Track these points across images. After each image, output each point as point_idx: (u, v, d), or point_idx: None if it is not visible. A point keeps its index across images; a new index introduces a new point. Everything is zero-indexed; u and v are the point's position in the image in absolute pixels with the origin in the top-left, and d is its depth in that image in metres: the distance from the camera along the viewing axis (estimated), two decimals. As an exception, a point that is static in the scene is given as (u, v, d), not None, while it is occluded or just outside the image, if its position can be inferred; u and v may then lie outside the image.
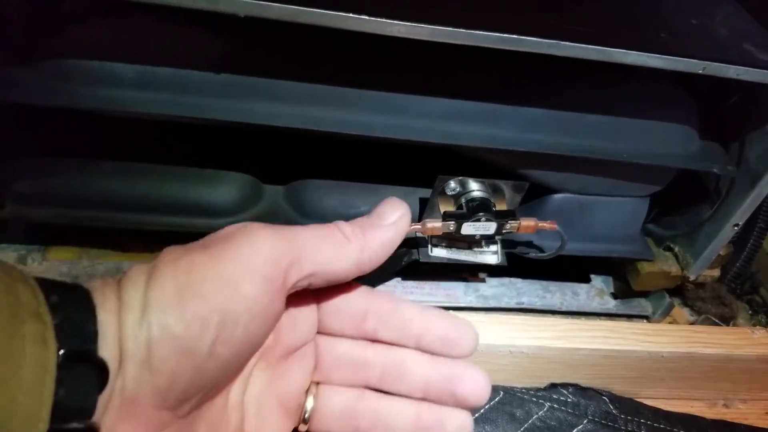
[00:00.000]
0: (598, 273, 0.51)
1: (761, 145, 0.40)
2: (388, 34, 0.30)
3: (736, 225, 0.43)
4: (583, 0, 0.38)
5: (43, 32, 0.33)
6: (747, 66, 0.34)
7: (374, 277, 0.44)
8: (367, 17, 0.29)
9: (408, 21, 0.30)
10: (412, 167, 0.43)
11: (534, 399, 0.40)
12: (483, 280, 0.48)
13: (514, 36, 0.31)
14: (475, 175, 0.40)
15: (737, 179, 0.42)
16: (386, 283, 0.46)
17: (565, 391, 0.41)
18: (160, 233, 0.40)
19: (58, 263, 0.42)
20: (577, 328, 0.41)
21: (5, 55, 0.33)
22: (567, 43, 0.31)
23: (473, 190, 0.41)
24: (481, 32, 0.30)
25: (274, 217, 0.42)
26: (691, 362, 0.42)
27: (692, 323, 0.50)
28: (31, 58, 0.33)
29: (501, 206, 0.42)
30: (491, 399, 0.39)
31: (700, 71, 0.33)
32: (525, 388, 0.41)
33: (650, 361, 0.41)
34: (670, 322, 0.51)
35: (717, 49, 0.36)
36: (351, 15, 0.29)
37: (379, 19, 0.29)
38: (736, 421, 0.45)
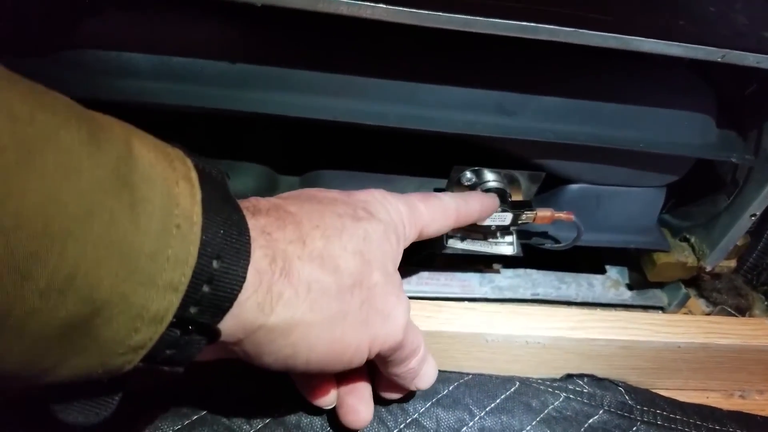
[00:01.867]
0: (613, 264, 0.51)
1: (780, 132, 0.40)
2: (404, 23, 0.30)
3: (754, 215, 0.43)
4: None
5: (60, 24, 0.33)
6: (766, 54, 0.34)
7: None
8: (384, 6, 0.29)
9: (425, 9, 0.30)
10: (427, 157, 0.43)
11: (550, 390, 0.40)
12: (498, 271, 0.48)
13: (532, 24, 0.31)
14: (491, 166, 0.40)
15: (755, 168, 0.42)
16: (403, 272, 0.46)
17: (580, 382, 0.41)
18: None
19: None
20: (593, 318, 0.41)
21: (24, 47, 0.33)
22: (584, 30, 0.31)
23: (489, 181, 0.41)
24: (499, 20, 0.30)
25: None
26: (707, 353, 0.42)
27: (708, 314, 0.50)
28: (49, 49, 0.33)
29: (517, 196, 0.42)
30: (507, 389, 0.39)
31: (719, 59, 0.33)
32: (541, 379, 0.41)
33: (666, 352, 0.41)
34: (685, 313, 0.51)
35: (736, 36, 0.36)
36: (368, 3, 0.29)
37: (395, 8, 0.29)
38: (752, 412, 0.44)
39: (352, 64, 0.35)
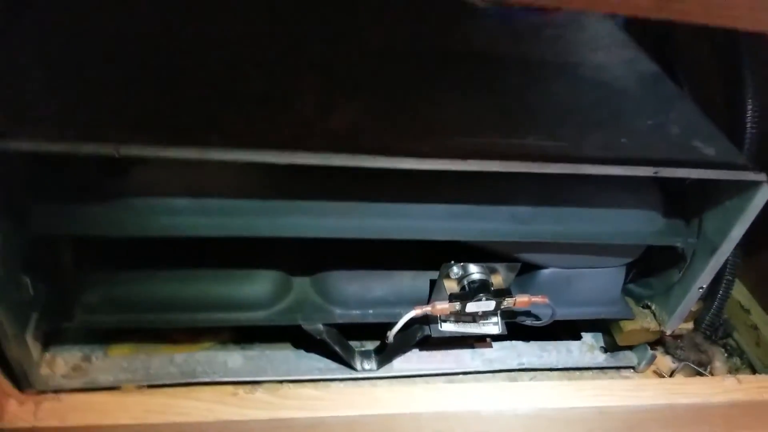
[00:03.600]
0: (588, 331, 0.58)
1: (716, 220, 0.47)
2: (401, 168, 0.37)
3: (701, 288, 0.50)
4: (560, 111, 0.46)
5: (111, 174, 0.40)
6: (692, 167, 0.41)
7: (394, 349, 0.51)
8: (383, 157, 0.36)
9: (424, 158, 0.37)
10: (421, 254, 0.50)
11: (539, 454, 0.46)
12: (490, 345, 0.55)
13: (507, 162, 0.38)
14: (475, 260, 0.47)
15: (698, 249, 0.49)
16: (404, 354, 0.52)
17: (565, 444, 0.47)
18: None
19: (119, 359, 0.48)
20: (572, 388, 0.47)
21: (87, 193, 0.39)
22: (548, 164, 0.39)
23: (473, 273, 0.48)
24: (483, 161, 0.37)
25: (304, 305, 0.48)
26: (672, 411, 0.49)
27: (674, 370, 0.57)
28: (107, 196, 0.39)
29: (498, 283, 0.48)
30: (502, 456, 0.45)
31: (653, 174, 0.41)
32: (530, 443, 0.47)
33: (637, 413, 0.48)
34: (654, 371, 0.57)
35: (669, 148, 0.44)
36: (366, 156, 0.36)
37: (389, 157, 0.37)
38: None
39: (358, 191, 0.42)
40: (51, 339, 0.48)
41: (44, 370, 0.47)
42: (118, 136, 0.33)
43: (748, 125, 0.47)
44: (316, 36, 0.49)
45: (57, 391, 0.43)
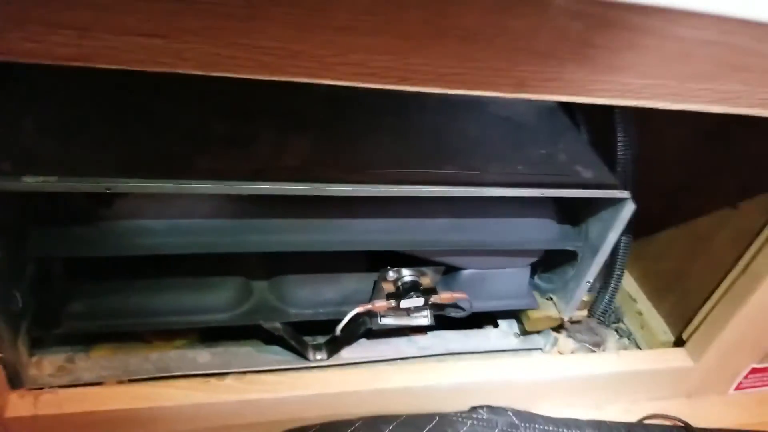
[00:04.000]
0: (503, 319, 0.69)
1: (597, 228, 0.59)
2: (343, 194, 0.46)
3: (588, 281, 0.62)
4: (471, 145, 0.56)
5: (99, 204, 0.47)
6: (572, 188, 0.53)
7: (342, 341, 0.60)
8: (328, 185, 0.46)
9: (362, 185, 0.46)
10: (363, 261, 0.59)
11: (460, 419, 0.56)
12: (425, 333, 0.65)
13: (429, 186, 0.48)
14: (407, 265, 0.57)
15: (585, 251, 0.61)
16: (350, 345, 0.62)
17: (481, 411, 0.58)
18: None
19: (99, 359, 0.55)
20: (490, 365, 0.58)
21: (75, 220, 0.47)
22: (460, 188, 0.49)
23: (405, 276, 0.58)
24: (410, 186, 0.47)
25: (263, 307, 0.57)
26: (569, 382, 0.60)
27: (573, 351, 0.69)
28: (93, 222, 0.47)
29: (427, 283, 0.59)
30: (431, 422, 0.55)
31: (540, 195, 0.52)
32: (454, 412, 0.57)
33: (542, 384, 0.59)
34: (558, 351, 0.69)
35: (556, 172, 0.55)
36: (320, 186, 0.45)
37: (333, 185, 0.46)
38: (605, 419, 0.63)
39: (309, 212, 0.51)
40: (36, 344, 0.55)
41: (32, 371, 0.53)
42: (107, 174, 0.41)
43: (620, 153, 0.59)
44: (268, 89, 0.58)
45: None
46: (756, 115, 0.42)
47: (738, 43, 0.37)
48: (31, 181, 0.40)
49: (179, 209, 0.49)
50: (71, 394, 0.48)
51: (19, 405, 0.47)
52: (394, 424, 0.54)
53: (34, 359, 0.54)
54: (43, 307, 0.51)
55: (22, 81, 0.50)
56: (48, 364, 0.55)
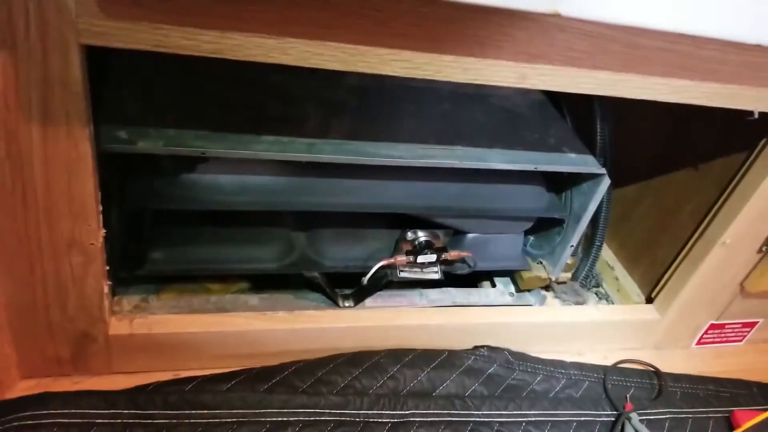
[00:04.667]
0: (500, 278, 0.81)
1: (579, 200, 0.72)
2: (377, 164, 0.58)
3: (572, 245, 0.74)
4: (478, 129, 0.68)
5: (183, 166, 0.59)
6: (559, 164, 0.65)
7: (367, 291, 0.72)
8: (371, 158, 0.58)
9: (392, 158, 0.58)
10: (387, 223, 0.72)
11: (465, 355, 0.68)
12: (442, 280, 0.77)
13: (443, 160, 0.60)
14: (423, 227, 0.69)
15: (569, 219, 0.73)
16: (372, 296, 0.74)
17: (482, 350, 0.70)
18: (232, 275, 0.67)
19: (168, 300, 0.67)
20: (488, 312, 0.70)
21: (164, 177, 0.58)
22: (469, 162, 0.61)
23: (421, 236, 0.70)
24: (429, 159, 0.59)
25: (305, 260, 0.69)
26: (553, 328, 0.73)
27: (559, 307, 0.81)
28: (177, 176, 0.58)
29: (438, 243, 0.71)
30: (441, 355, 0.67)
31: (534, 169, 0.64)
32: (460, 349, 0.69)
33: (531, 328, 0.71)
34: (546, 307, 0.81)
35: (547, 151, 0.67)
36: (359, 157, 0.57)
37: (370, 157, 0.58)
38: (586, 362, 0.75)
39: (348, 173, 0.63)
40: (114, 289, 0.66)
41: (115, 308, 0.65)
42: (201, 144, 0.53)
43: (598, 138, 0.72)
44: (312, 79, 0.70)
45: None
46: (701, 104, 0.55)
47: (684, 50, 0.50)
48: (144, 146, 0.51)
49: (246, 171, 0.61)
50: (158, 319, 0.60)
51: (118, 326, 0.58)
52: (412, 355, 0.67)
53: (114, 299, 0.66)
54: (130, 251, 0.63)
55: (121, 68, 0.61)
56: (126, 303, 0.66)
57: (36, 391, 0.55)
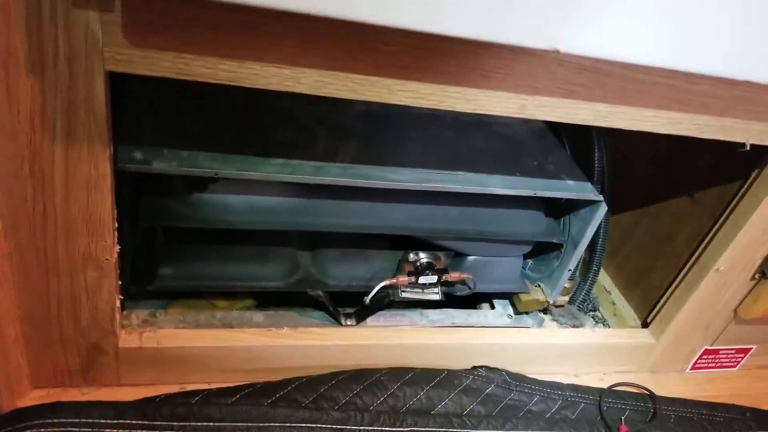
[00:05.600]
0: (499, 300, 0.83)
1: (577, 225, 0.74)
2: (380, 187, 0.61)
3: (569, 270, 0.76)
4: (479, 155, 0.71)
5: (194, 186, 0.61)
6: (558, 191, 0.67)
7: (368, 310, 0.73)
8: (376, 182, 0.60)
9: (395, 182, 0.60)
10: (392, 243, 0.74)
11: (464, 374, 0.70)
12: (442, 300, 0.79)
13: (445, 184, 0.62)
14: (425, 249, 0.71)
15: (567, 244, 0.75)
16: (374, 315, 0.75)
17: (481, 370, 0.72)
18: (238, 292, 0.68)
19: (176, 314, 0.69)
20: (486, 333, 0.72)
21: (175, 197, 0.61)
22: (470, 186, 0.63)
23: (423, 258, 0.72)
24: (430, 183, 0.61)
25: (309, 278, 0.70)
26: (552, 349, 0.74)
27: (556, 329, 0.83)
28: (188, 196, 0.61)
29: (439, 265, 0.73)
30: (440, 375, 0.69)
31: (533, 195, 0.66)
32: (460, 369, 0.71)
33: (531, 349, 0.73)
34: (544, 330, 0.83)
35: (546, 178, 0.70)
36: (364, 181, 0.60)
37: (374, 181, 0.60)
38: (582, 384, 0.77)
39: (355, 196, 0.66)
40: (124, 303, 0.68)
41: (124, 322, 0.67)
42: (214, 165, 0.55)
43: (596, 165, 0.74)
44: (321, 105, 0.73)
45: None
46: (694, 136, 0.57)
47: (677, 85, 0.53)
48: (158, 166, 0.54)
49: (255, 192, 0.63)
50: (166, 333, 0.62)
51: (128, 339, 0.60)
52: (412, 373, 0.68)
53: (125, 313, 0.68)
54: (141, 267, 0.65)
55: (137, 90, 0.64)
56: (135, 317, 0.68)
57: (47, 401, 0.56)
